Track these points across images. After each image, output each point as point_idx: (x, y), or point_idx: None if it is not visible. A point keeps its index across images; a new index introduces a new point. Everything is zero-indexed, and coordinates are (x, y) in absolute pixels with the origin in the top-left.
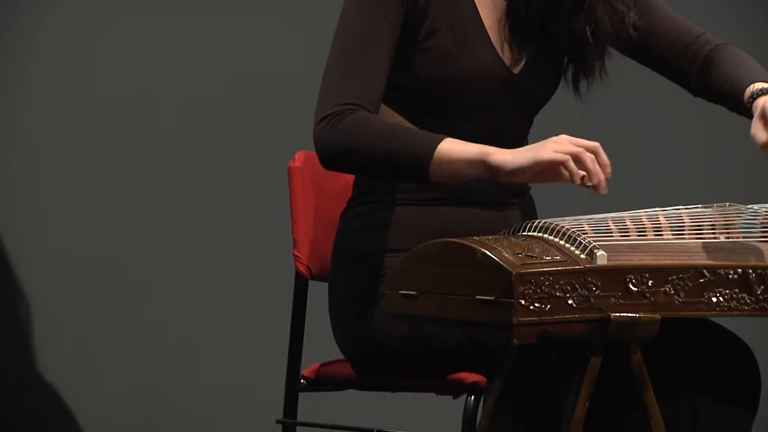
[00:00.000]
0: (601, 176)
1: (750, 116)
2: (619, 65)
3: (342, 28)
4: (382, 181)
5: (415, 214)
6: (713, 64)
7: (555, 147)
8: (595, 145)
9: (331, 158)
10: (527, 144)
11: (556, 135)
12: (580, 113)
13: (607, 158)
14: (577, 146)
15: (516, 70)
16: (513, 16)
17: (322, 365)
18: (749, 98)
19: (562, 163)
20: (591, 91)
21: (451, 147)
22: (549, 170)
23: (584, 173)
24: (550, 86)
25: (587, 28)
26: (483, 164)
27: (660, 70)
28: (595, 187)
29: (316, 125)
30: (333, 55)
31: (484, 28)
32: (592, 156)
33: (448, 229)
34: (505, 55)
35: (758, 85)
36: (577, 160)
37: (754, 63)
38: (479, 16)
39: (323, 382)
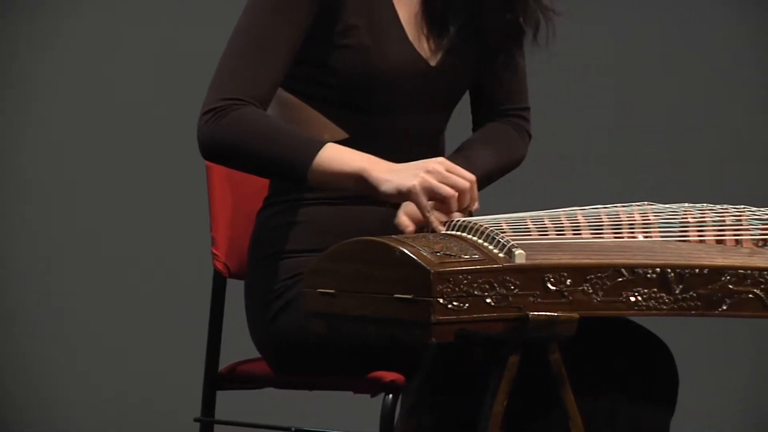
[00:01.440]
0: (434, 221)
1: None
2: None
3: (242, 22)
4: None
5: (329, 214)
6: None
7: (421, 180)
8: (468, 185)
9: (210, 152)
10: (443, 138)
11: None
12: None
13: (474, 194)
14: (436, 183)
15: (433, 64)
16: (429, 10)
17: (240, 363)
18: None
19: (416, 200)
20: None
21: (332, 156)
22: (411, 199)
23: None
24: (467, 79)
25: (521, 20)
26: (361, 180)
27: (472, 99)
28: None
29: (201, 117)
30: (228, 49)
31: (400, 23)
32: (451, 193)
33: (364, 228)
34: (423, 49)
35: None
36: (428, 195)
37: (488, 150)
38: (395, 11)
39: (241, 380)
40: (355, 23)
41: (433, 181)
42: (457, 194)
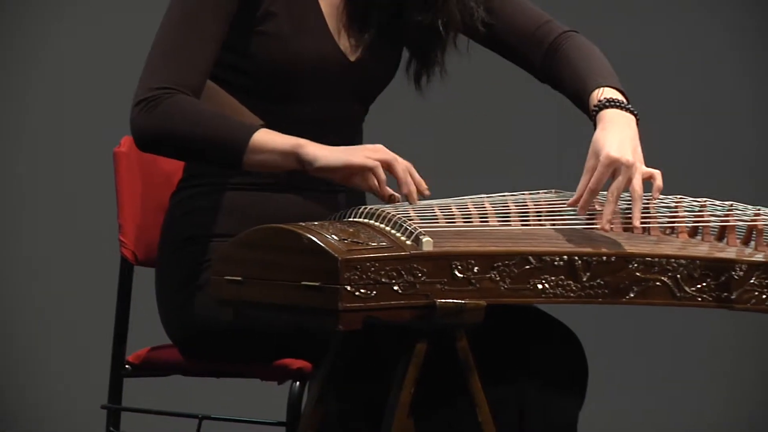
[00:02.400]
0: (412, 187)
1: (593, 123)
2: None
3: (169, 11)
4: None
5: (243, 199)
6: (557, 54)
7: (368, 153)
8: (407, 163)
9: (146, 141)
10: (361, 131)
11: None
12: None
13: (419, 177)
14: (391, 156)
15: (353, 58)
16: (352, 4)
17: (148, 351)
18: (595, 106)
19: (372, 169)
20: (430, 85)
21: (266, 137)
22: (358, 174)
23: (393, 192)
24: (386, 74)
25: (439, 22)
26: (295, 156)
27: (509, 57)
28: (406, 196)
29: (133, 108)
30: (158, 38)
31: (322, 15)
32: (404, 167)
33: (276, 215)
34: (342, 42)
35: (604, 94)
36: (389, 168)
37: (599, 56)
38: (317, 2)
39: (148, 367)
40: (276, 11)
41: (383, 155)
42: (409, 165)
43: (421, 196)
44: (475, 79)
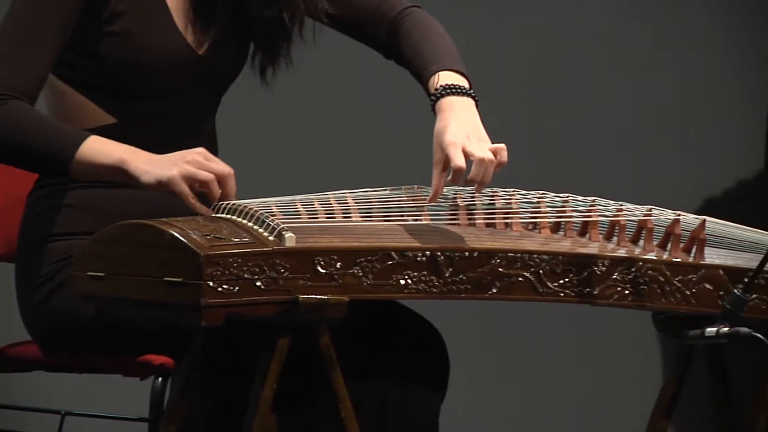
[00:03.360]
0: (213, 201)
1: (433, 110)
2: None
3: (10, 14)
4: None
5: (99, 197)
6: (399, 31)
7: (180, 169)
8: (227, 172)
9: None
10: (213, 123)
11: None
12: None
13: (234, 187)
14: (194, 171)
15: (201, 52)
16: None
17: (9, 347)
18: (432, 95)
19: (178, 191)
20: (276, 78)
21: (93, 149)
22: (173, 189)
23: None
24: (234, 67)
25: (285, 15)
26: (121, 171)
27: (355, 37)
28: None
29: None
30: None
31: (168, 10)
32: (210, 180)
33: (134, 211)
34: (190, 37)
35: (440, 80)
36: (195, 184)
37: (438, 33)
38: None
39: (9, 363)
40: (122, 9)
41: (191, 168)
42: (215, 177)
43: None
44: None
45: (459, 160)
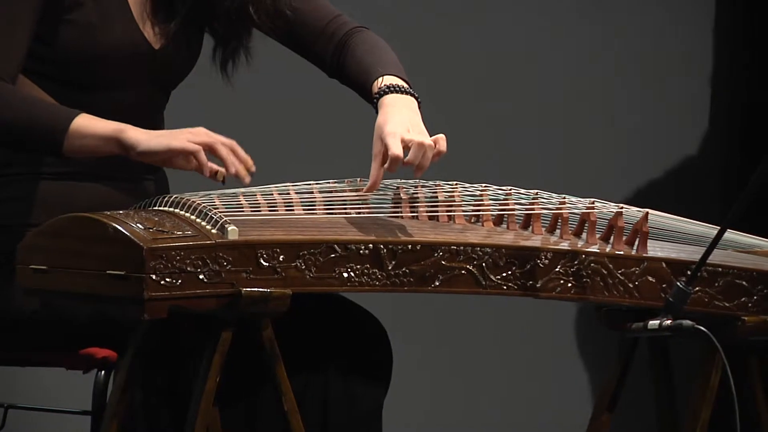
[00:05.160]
0: (239, 166)
1: (376, 111)
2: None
3: None
4: (18, 153)
5: (48, 188)
6: (347, 48)
7: (189, 137)
8: (231, 141)
9: None
10: (162, 118)
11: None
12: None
13: (245, 153)
14: (213, 139)
15: (157, 46)
16: None
17: None
18: (376, 94)
19: (193, 153)
20: (236, 72)
21: (86, 123)
22: (179, 157)
23: (219, 168)
24: (189, 63)
25: (250, 8)
26: (116, 141)
27: (302, 53)
28: (235, 176)
29: None
30: None
31: (127, 3)
32: (227, 148)
33: (81, 204)
34: (147, 31)
35: (384, 81)
36: (212, 151)
37: (385, 49)
38: None
39: None
40: (83, 0)
41: (208, 138)
42: (234, 143)
43: (251, 173)
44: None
45: (396, 149)
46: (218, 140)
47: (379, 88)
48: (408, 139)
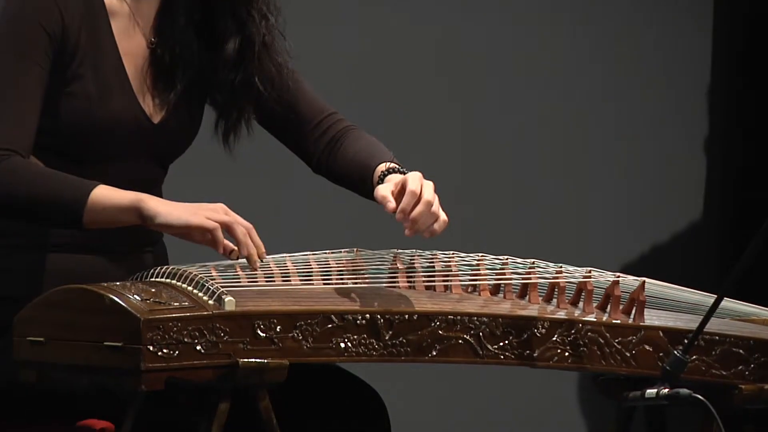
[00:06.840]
0: (252, 249)
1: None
2: None
3: None
4: (17, 225)
5: (43, 260)
6: (342, 143)
7: (209, 214)
8: (249, 224)
9: None
10: (161, 191)
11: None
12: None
13: (259, 239)
14: (231, 218)
15: (156, 120)
16: (156, 63)
17: None
18: (378, 178)
19: (210, 231)
20: (238, 144)
21: (105, 193)
22: (196, 232)
23: (234, 247)
24: (189, 136)
25: (255, 79)
26: (135, 211)
27: (287, 142)
28: (247, 259)
29: None
30: None
31: (126, 76)
32: (244, 230)
33: (77, 276)
34: (147, 104)
35: (385, 166)
36: (229, 231)
37: (379, 144)
38: (122, 63)
39: None
40: (83, 72)
41: (227, 217)
42: (252, 227)
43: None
44: None
45: (415, 186)
46: (236, 221)
47: (387, 168)
48: (425, 185)
